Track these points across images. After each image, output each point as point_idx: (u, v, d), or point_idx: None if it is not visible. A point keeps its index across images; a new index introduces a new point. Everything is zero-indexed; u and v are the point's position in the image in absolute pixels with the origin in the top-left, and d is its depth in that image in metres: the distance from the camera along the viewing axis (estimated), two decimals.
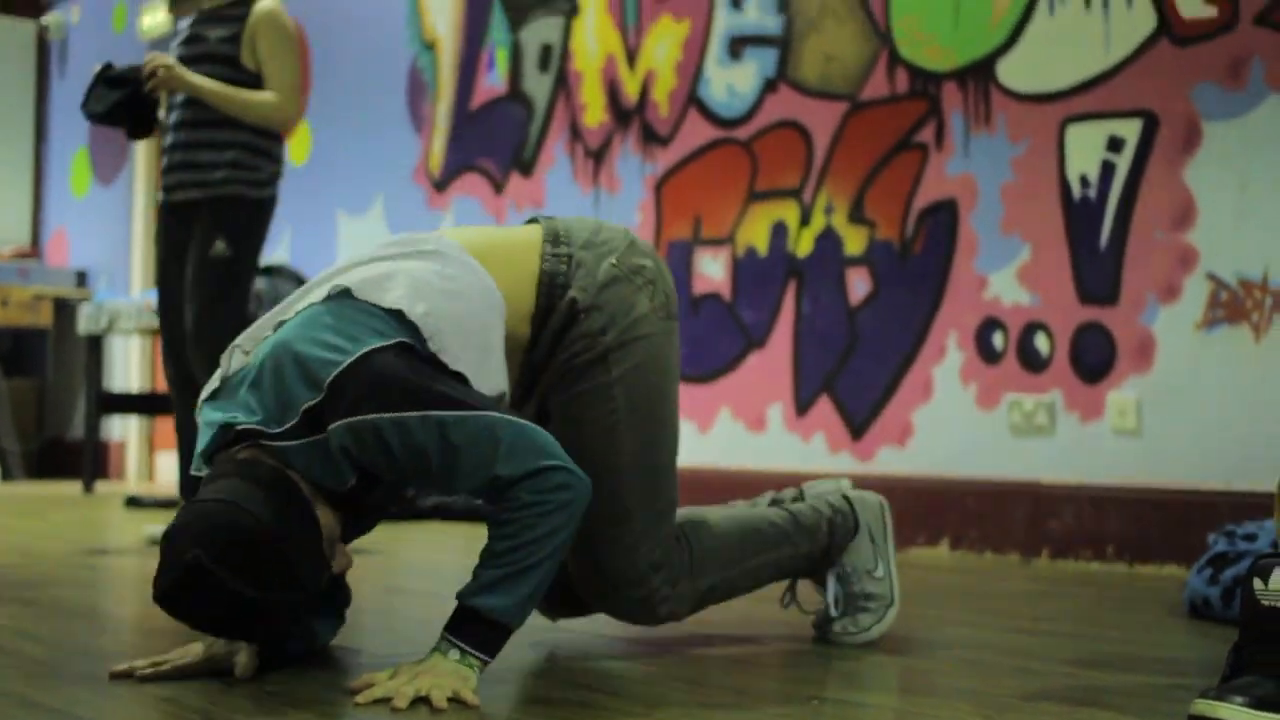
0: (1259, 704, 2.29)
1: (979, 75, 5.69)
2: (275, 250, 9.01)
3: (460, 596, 2.58)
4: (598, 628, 3.48)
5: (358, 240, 8.64)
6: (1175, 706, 2.52)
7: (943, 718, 2.46)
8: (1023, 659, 3.16)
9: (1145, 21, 5.23)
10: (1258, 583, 2.37)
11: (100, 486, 9.58)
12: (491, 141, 7.89)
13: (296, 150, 9.08)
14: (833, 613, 3.40)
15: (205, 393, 2.73)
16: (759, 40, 6.54)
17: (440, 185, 8.16)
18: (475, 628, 2.56)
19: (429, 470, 2.56)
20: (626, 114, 7.13)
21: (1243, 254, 4.86)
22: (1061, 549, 5.27)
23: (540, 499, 2.54)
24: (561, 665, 3.04)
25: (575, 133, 7.40)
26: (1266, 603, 2.37)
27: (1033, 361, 5.43)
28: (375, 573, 4.84)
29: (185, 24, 5.74)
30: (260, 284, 7.90)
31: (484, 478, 2.54)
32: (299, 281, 8.31)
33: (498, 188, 7.81)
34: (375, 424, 2.49)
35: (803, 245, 6.27)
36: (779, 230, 6.37)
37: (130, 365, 10.89)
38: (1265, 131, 4.89)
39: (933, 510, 5.62)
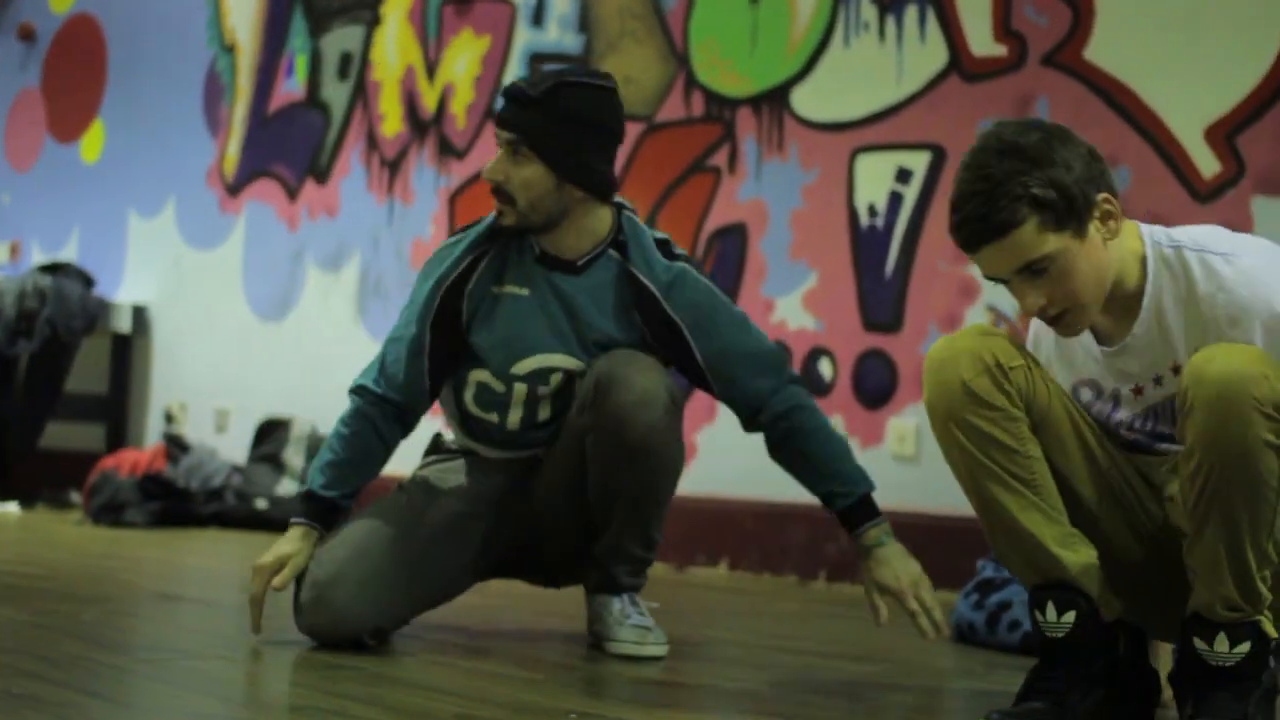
0: None
1: (773, 102, 5.74)
2: (62, 248, 8.81)
3: (851, 492, 3.35)
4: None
5: (148, 242, 8.47)
6: None
7: None
8: (791, 676, 3.19)
9: (937, 57, 5.32)
10: (1037, 614, 2.46)
11: None
12: (287, 148, 7.79)
13: (89, 148, 8.89)
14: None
15: None
16: (558, 58, 6.54)
17: (233, 189, 8.04)
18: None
19: None
20: (424, 125, 7.10)
21: None
22: (838, 572, 5.33)
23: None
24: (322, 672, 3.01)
25: (372, 142, 7.34)
26: (1048, 634, 2.46)
27: (816, 386, 5.48)
28: (150, 579, 4.76)
29: None
30: (44, 281, 7.75)
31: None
32: (86, 281, 8.15)
33: (292, 194, 7.72)
34: None
35: None
36: None
37: None
38: None
39: (712, 530, 5.64)
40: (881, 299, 5.36)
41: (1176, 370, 2.45)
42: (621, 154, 6.12)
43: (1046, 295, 2.43)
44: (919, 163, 5.33)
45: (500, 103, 3.42)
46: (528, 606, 4.41)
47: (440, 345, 3.41)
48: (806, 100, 5.66)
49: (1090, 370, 2.61)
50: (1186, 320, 2.44)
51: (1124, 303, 2.51)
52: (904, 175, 5.36)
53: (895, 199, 5.37)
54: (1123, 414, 2.59)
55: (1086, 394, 2.63)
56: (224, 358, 7.95)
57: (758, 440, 5.36)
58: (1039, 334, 2.75)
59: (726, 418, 5.72)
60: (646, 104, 6.16)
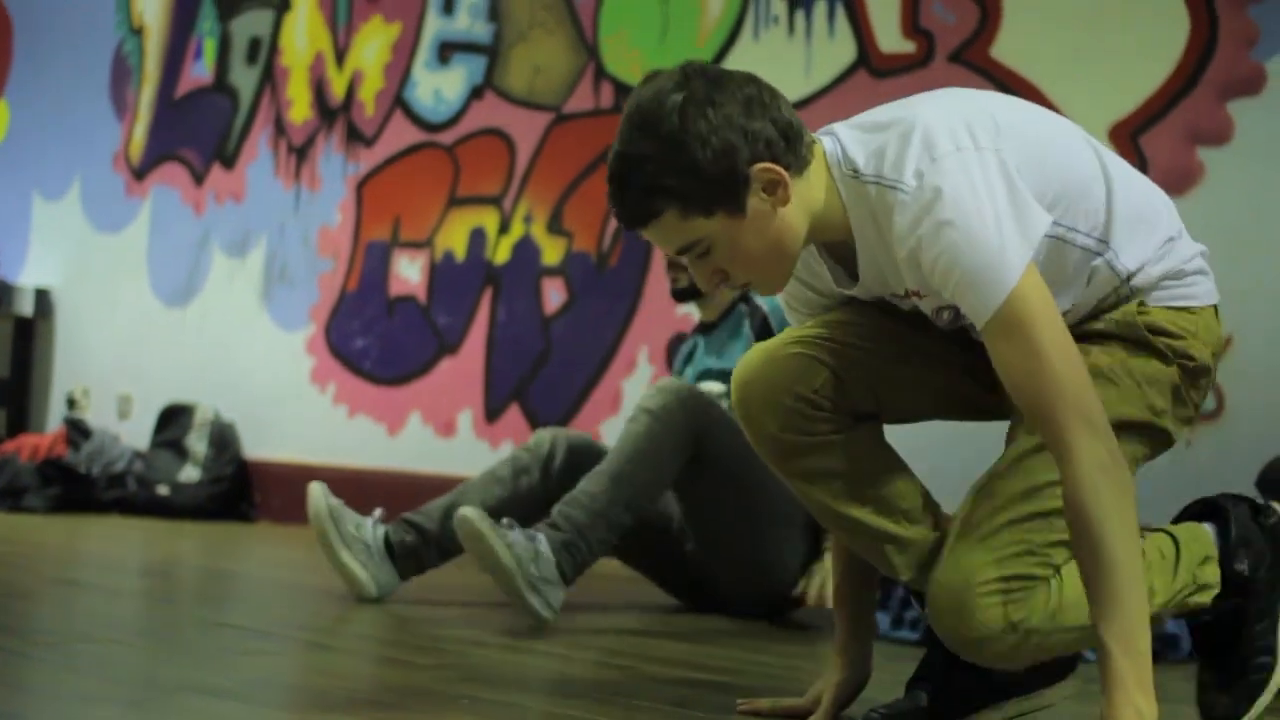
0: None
1: None
2: None
3: None
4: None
5: (52, 224, 8.39)
6: None
7: (578, 717, 2.47)
8: (711, 660, 3.19)
9: (845, 52, 5.34)
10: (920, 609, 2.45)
11: None
12: (194, 132, 7.74)
13: None
14: None
15: None
16: (468, 47, 6.53)
17: (139, 173, 7.97)
18: None
19: None
20: (332, 112, 7.06)
21: None
22: None
23: None
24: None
25: (279, 128, 7.30)
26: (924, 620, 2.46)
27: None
28: (49, 565, 4.72)
29: None
30: None
31: None
32: None
33: (198, 179, 7.66)
34: None
35: (500, 253, 6.27)
36: (478, 236, 6.36)
37: None
38: None
39: None
40: None
41: (917, 294, 2.26)
42: (529, 144, 6.17)
43: (720, 271, 2.26)
44: None
45: None
46: (423, 597, 4.41)
47: None
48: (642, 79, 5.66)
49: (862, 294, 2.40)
50: (895, 257, 2.22)
51: (843, 245, 2.32)
52: None
53: None
54: (926, 309, 2.35)
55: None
56: (127, 343, 7.88)
57: None
58: (791, 309, 2.54)
59: (630, 409, 5.74)
60: (555, 94, 6.16)
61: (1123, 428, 2.21)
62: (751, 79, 2.27)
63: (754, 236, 2.21)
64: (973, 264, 2.09)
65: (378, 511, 4.10)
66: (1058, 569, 2.24)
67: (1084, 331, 2.33)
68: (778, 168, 2.19)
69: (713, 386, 4.25)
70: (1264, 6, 4.43)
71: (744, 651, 3.46)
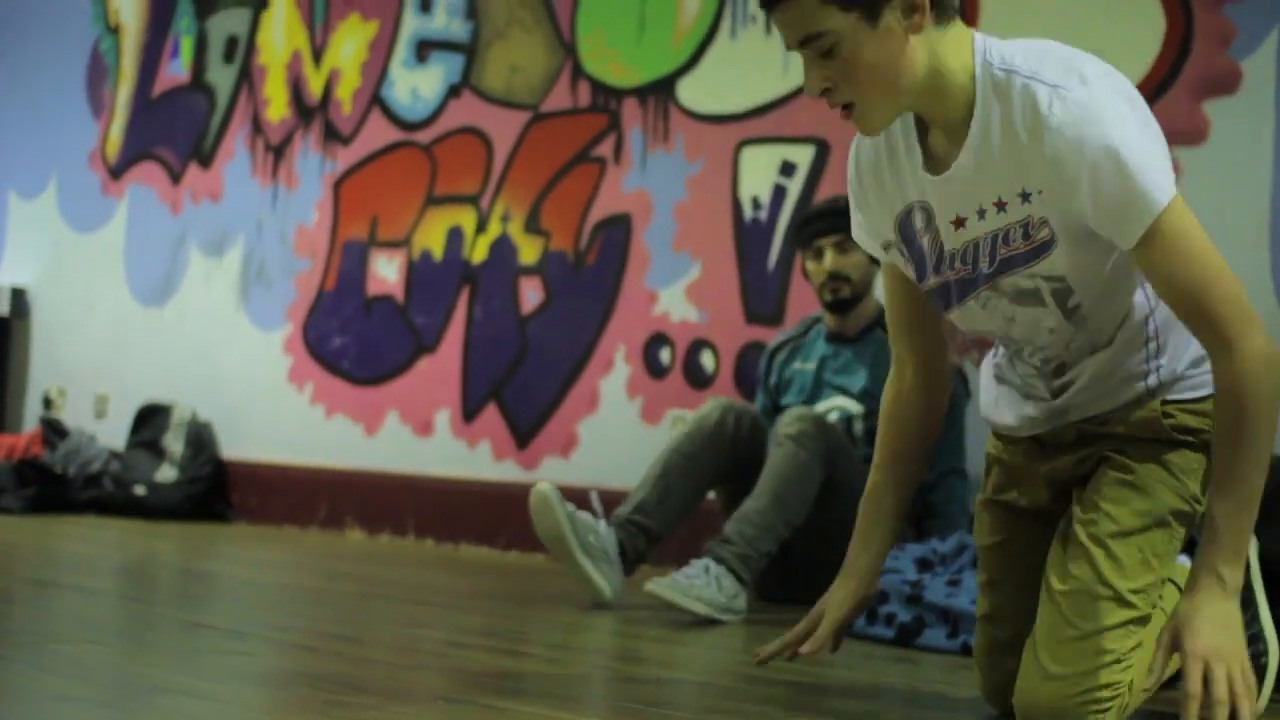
0: None
1: (659, 93, 5.75)
2: None
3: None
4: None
5: (28, 223, 8.37)
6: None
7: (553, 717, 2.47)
8: (641, 663, 3.19)
9: None
10: None
11: None
12: (171, 131, 7.72)
13: None
14: None
15: None
16: (446, 45, 6.52)
17: (116, 172, 7.95)
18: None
19: None
20: (309, 111, 7.05)
21: None
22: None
23: None
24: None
25: (257, 127, 7.29)
26: None
27: (698, 378, 5.50)
28: (24, 565, 4.70)
29: None
30: None
31: None
32: None
33: (175, 178, 7.64)
34: None
35: (478, 252, 6.26)
36: (455, 236, 6.36)
37: None
38: None
39: None
40: (764, 291, 5.38)
41: (1000, 205, 2.31)
42: (506, 143, 6.17)
43: (830, 79, 2.25)
44: (803, 156, 5.35)
45: (813, 221, 4.61)
46: (402, 596, 4.41)
47: None
48: (692, 92, 5.68)
49: (923, 192, 2.42)
50: (1010, 154, 2.27)
51: (953, 125, 2.33)
52: (788, 168, 5.38)
53: (779, 192, 5.39)
54: (948, 245, 2.42)
55: (919, 219, 2.44)
56: (104, 342, 7.87)
57: (637, 430, 5.40)
58: (858, 167, 2.56)
59: (609, 408, 5.76)
60: (533, 93, 6.15)
61: (1171, 518, 2.37)
62: None
63: (876, 51, 2.21)
64: (1138, 169, 2.17)
65: (598, 506, 4.33)
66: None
67: (1105, 433, 2.44)
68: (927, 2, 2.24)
69: (846, 404, 4.62)
70: (1239, 5, 4.44)
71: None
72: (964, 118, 2.30)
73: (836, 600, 2.62)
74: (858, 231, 2.58)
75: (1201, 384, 2.40)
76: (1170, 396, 2.40)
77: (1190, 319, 2.25)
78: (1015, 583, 2.58)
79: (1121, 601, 2.29)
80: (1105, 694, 2.27)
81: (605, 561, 4.18)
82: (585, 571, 4.13)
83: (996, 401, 2.58)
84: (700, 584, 4.01)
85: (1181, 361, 2.41)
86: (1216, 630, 2.14)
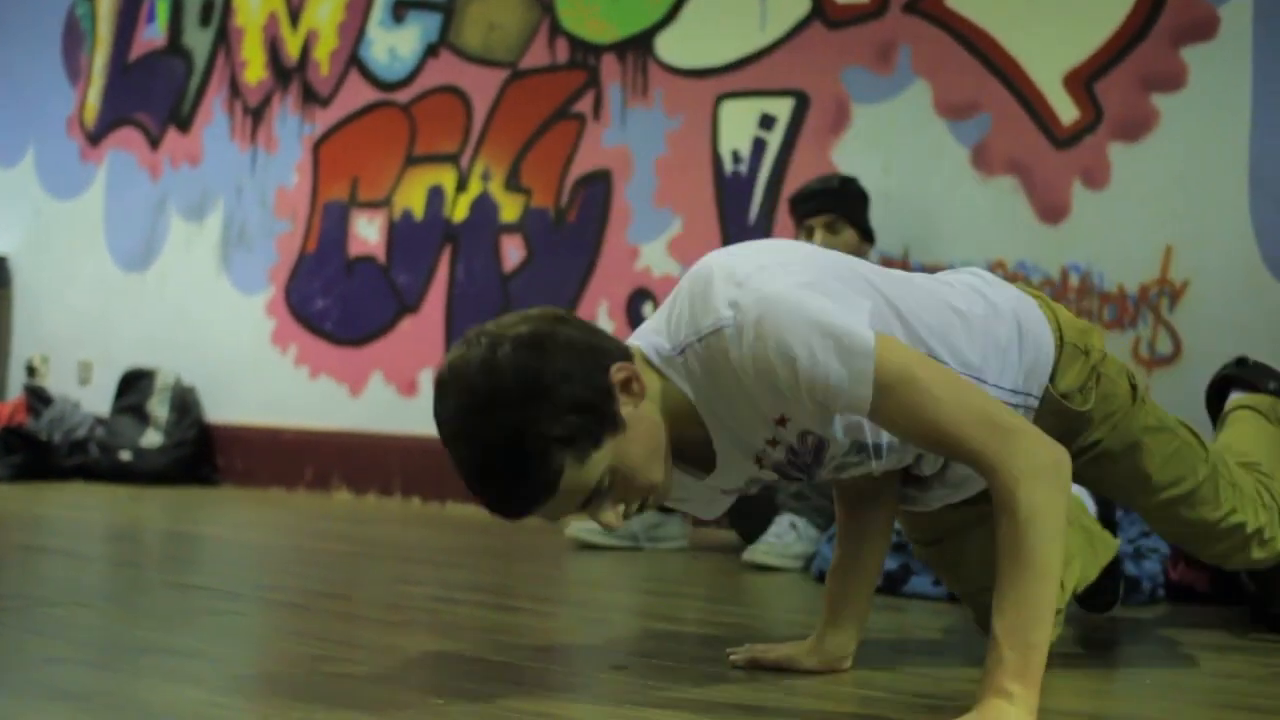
0: None
1: (638, 49, 5.74)
2: None
3: None
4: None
5: (7, 191, 8.33)
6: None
7: (556, 670, 2.48)
8: (645, 627, 3.21)
9: (800, 4, 5.34)
10: None
11: None
12: (148, 95, 7.69)
13: None
14: None
15: None
16: (422, 5, 6.50)
17: (94, 139, 7.92)
18: None
19: None
20: (287, 73, 7.03)
21: (884, 232, 4.99)
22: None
23: None
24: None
25: (235, 90, 7.27)
26: None
27: None
28: (11, 531, 4.70)
29: None
30: None
31: None
32: None
33: (154, 143, 7.62)
34: None
35: (459, 211, 6.26)
36: (435, 195, 6.35)
37: None
38: (910, 114, 5.04)
39: None
40: None
41: (773, 443, 2.22)
42: (485, 101, 6.16)
43: (620, 500, 2.16)
44: (783, 109, 5.35)
45: (804, 201, 4.67)
46: (390, 554, 4.42)
47: None
48: (671, 47, 5.67)
49: (722, 484, 2.35)
50: (739, 406, 2.16)
51: (693, 443, 2.25)
52: (768, 121, 5.38)
53: (759, 145, 5.39)
54: (767, 476, 2.34)
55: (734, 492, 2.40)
56: (86, 309, 7.85)
57: None
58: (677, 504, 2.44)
59: None
60: (511, 51, 6.14)
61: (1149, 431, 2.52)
62: (534, 322, 2.13)
63: (638, 445, 2.13)
64: (824, 361, 2.05)
65: None
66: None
67: None
68: (627, 364, 2.14)
69: None
70: None
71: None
72: (691, 418, 2.21)
73: (805, 662, 2.52)
74: None
75: (1044, 363, 2.42)
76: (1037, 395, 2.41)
77: (948, 456, 2.20)
78: (959, 538, 2.64)
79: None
80: None
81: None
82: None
83: None
84: (790, 540, 4.19)
85: (1011, 378, 2.38)
86: None
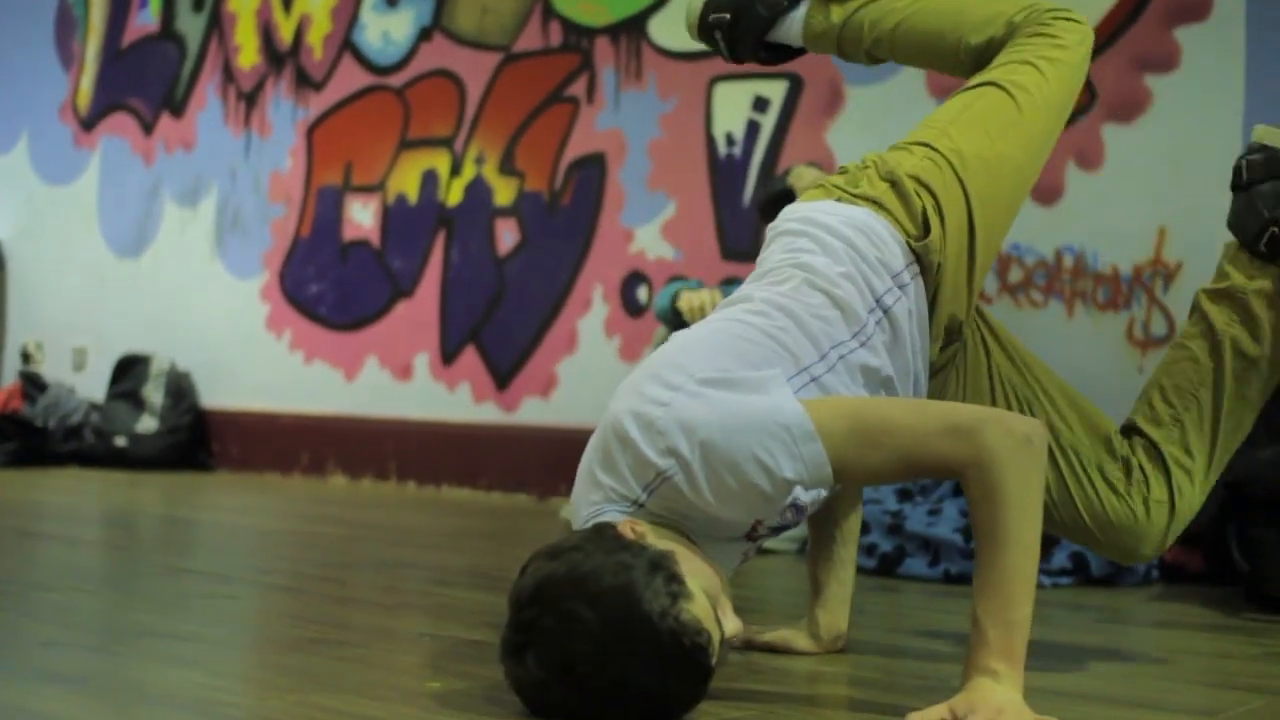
0: None
1: (631, 32, 5.74)
2: None
3: None
4: None
5: (0, 178, 8.35)
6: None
7: None
8: None
9: None
10: None
11: None
12: (142, 81, 7.68)
13: None
14: None
15: None
16: None
17: (88, 124, 7.92)
18: None
19: None
20: (280, 57, 7.02)
21: None
22: None
23: None
24: None
25: (228, 74, 7.26)
26: None
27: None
28: (7, 517, 4.71)
29: None
30: None
31: None
32: None
33: (147, 128, 7.61)
34: None
35: (453, 195, 6.26)
36: (430, 179, 6.35)
37: None
38: (903, 96, 5.04)
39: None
40: (740, 227, 5.39)
41: (757, 524, 2.17)
42: (479, 85, 6.15)
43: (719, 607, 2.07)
44: (776, 92, 5.35)
45: (779, 201, 4.20)
46: (385, 538, 4.43)
47: None
48: (664, 29, 5.66)
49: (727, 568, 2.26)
50: (712, 519, 2.13)
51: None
52: (761, 104, 5.38)
53: (753, 128, 5.39)
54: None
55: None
56: (81, 295, 7.85)
57: (617, 370, 5.43)
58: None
59: (588, 348, 5.77)
60: (504, 34, 6.14)
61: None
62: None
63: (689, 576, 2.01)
64: (779, 460, 2.05)
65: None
66: None
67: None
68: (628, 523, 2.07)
69: None
70: None
71: None
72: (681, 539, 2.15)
73: (799, 644, 2.52)
74: None
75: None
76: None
77: (925, 476, 2.17)
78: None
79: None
80: None
81: None
82: None
83: None
84: None
85: (876, 288, 2.33)
86: (997, 707, 1.93)
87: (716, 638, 1.96)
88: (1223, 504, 3.36)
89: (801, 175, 4.60)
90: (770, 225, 2.45)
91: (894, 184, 2.38)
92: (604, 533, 2.02)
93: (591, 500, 2.19)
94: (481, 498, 5.86)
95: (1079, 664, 2.50)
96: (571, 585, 1.91)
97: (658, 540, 2.05)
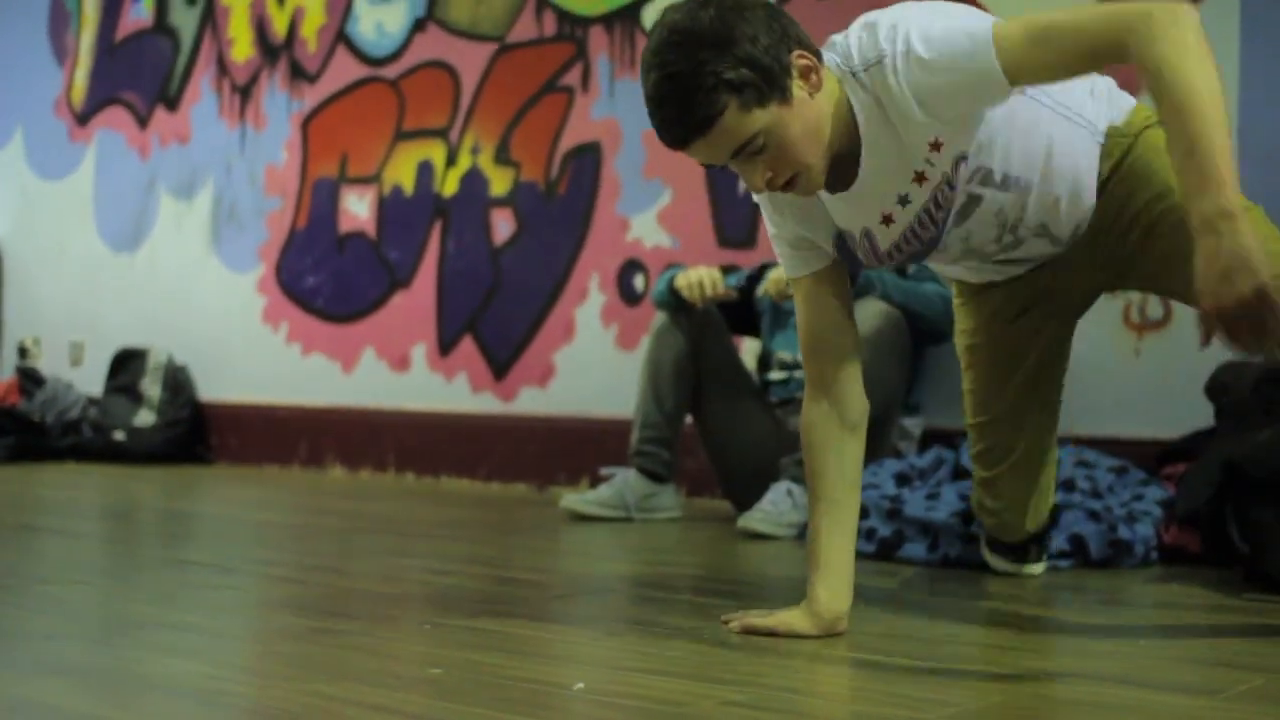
0: None
1: (625, 20, 5.74)
2: None
3: None
4: None
5: None
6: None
7: (542, 638, 2.49)
8: (662, 586, 3.22)
9: None
10: None
11: None
12: (136, 75, 7.68)
13: None
14: None
15: None
16: None
17: (83, 119, 7.92)
18: None
19: None
20: (274, 50, 7.02)
21: None
22: (698, 487, 5.36)
23: None
24: None
25: (222, 68, 7.26)
26: None
27: None
28: (6, 511, 4.71)
29: None
30: None
31: None
32: None
33: (142, 122, 7.61)
34: None
35: (448, 185, 6.26)
36: (425, 170, 6.35)
37: None
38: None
39: (573, 450, 5.66)
40: (736, 215, 5.38)
41: (920, 178, 2.49)
42: (473, 76, 6.15)
43: (770, 168, 2.38)
44: None
45: None
46: (384, 529, 4.43)
47: None
48: (658, 17, 5.65)
49: (839, 220, 2.60)
50: (898, 130, 2.43)
51: (845, 144, 2.46)
52: None
53: None
54: (883, 244, 2.60)
55: (851, 238, 2.62)
56: (77, 289, 7.85)
57: (615, 359, 5.43)
58: (777, 210, 2.65)
59: (586, 337, 5.77)
60: (498, 25, 6.14)
61: None
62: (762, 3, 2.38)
63: (799, 124, 2.35)
64: (951, 41, 2.35)
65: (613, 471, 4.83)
66: None
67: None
68: (810, 55, 2.36)
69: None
70: None
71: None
72: (850, 133, 2.45)
73: (800, 626, 2.51)
74: (778, 239, 2.68)
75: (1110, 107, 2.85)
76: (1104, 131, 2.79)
77: (1096, 66, 2.42)
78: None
79: None
80: None
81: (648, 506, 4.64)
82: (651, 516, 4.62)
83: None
84: (785, 508, 4.19)
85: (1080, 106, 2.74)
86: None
87: None
88: (1221, 486, 3.37)
89: None
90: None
91: None
92: None
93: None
94: (481, 488, 5.87)
95: (1080, 645, 2.51)
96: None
97: (824, 103, 2.39)
